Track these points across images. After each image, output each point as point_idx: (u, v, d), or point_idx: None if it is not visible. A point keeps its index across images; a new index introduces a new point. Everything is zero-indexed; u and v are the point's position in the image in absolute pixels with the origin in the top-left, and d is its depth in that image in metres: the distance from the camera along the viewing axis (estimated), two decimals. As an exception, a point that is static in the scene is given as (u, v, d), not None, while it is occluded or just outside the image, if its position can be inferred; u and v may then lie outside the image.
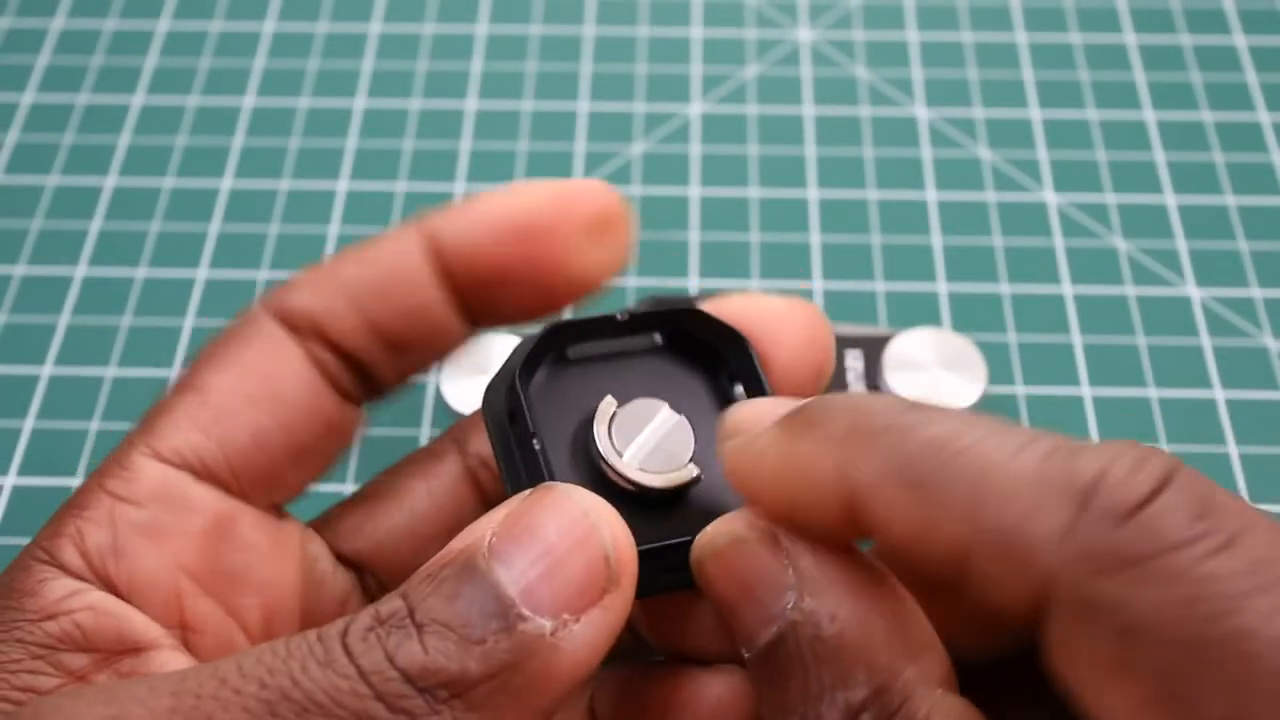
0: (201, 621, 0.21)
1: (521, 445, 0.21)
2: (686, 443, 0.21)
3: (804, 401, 0.19)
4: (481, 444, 0.24)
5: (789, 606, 0.18)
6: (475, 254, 0.22)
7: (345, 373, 0.22)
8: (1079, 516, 0.15)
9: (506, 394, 0.21)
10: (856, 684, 0.17)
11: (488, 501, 0.23)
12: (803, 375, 0.22)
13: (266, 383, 0.21)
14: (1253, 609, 0.14)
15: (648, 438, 0.21)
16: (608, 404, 0.22)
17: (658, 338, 0.23)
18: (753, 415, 0.19)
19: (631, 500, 0.21)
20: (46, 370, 0.38)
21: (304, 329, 0.22)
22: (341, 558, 0.23)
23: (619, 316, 0.22)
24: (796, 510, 0.18)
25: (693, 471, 0.21)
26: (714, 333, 0.22)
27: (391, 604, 0.17)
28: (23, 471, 0.36)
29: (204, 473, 0.21)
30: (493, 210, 0.22)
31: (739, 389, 0.23)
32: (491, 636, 0.17)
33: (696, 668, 0.21)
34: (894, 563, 0.18)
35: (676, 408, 0.22)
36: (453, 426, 0.24)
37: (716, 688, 0.21)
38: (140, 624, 0.20)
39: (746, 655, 0.19)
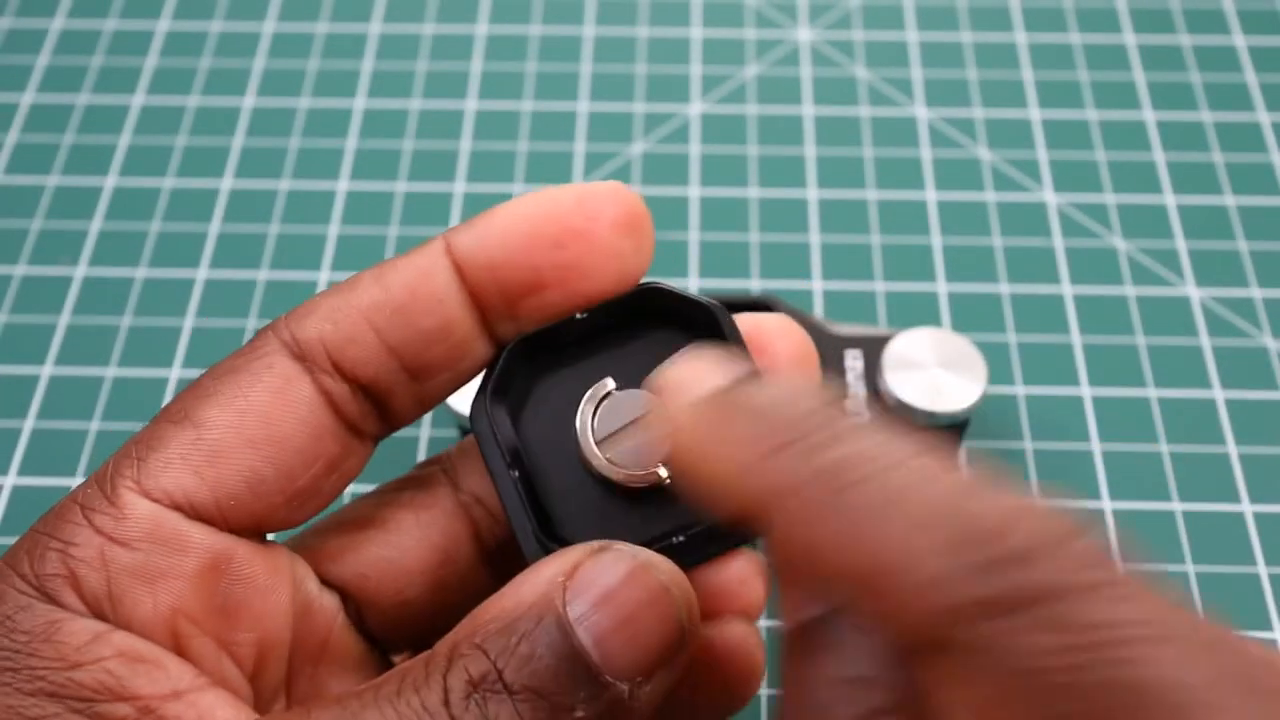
0: (197, 661, 0.20)
1: (509, 466, 0.21)
2: (667, 441, 0.21)
3: (737, 377, 0.18)
4: (473, 480, 0.23)
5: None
6: (507, 265, 0.21)
7: (359, 404, 0.21)
8: (978, 559, 0.15)
9: (487, 419, 0.21)
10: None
11: (480, 539, 0.23)
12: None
13: (268, 425, 0.20)
14: (1151, 659, 0.14)
15: (630, 429, 0.21)
16: (590, 397, 0.22)
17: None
18: (685, 378, 0.19)
19: (625, 493, 0.21)
20: (46, 370, 0.38)
21: (317, 359, 0.21)
22: (325, 581, 0.23)
23: (578, 315, 0.21)
24: (703, 492, 0.18)
25: (660, 478, 0.21)
26: (680, 306, 0.22)
27: (479, 664, 0.18)
28: (23, 471, 0.36)
29: (193, 514, 0.20)
30: (520, 219, 0.21)
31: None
32: (581, 705, 0.18)
33: None
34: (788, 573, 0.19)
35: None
36: (443, 454, 0.24)
37: (739, 560, 0.21)
38: (175, 666, 0.19)
39: (787, 628, 0.19)
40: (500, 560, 0.24)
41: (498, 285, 0.21)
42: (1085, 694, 0.14)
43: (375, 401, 0.22)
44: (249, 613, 0.21)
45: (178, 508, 0.20)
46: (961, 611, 0.15)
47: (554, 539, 0.21)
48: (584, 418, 0.21)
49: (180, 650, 0.20)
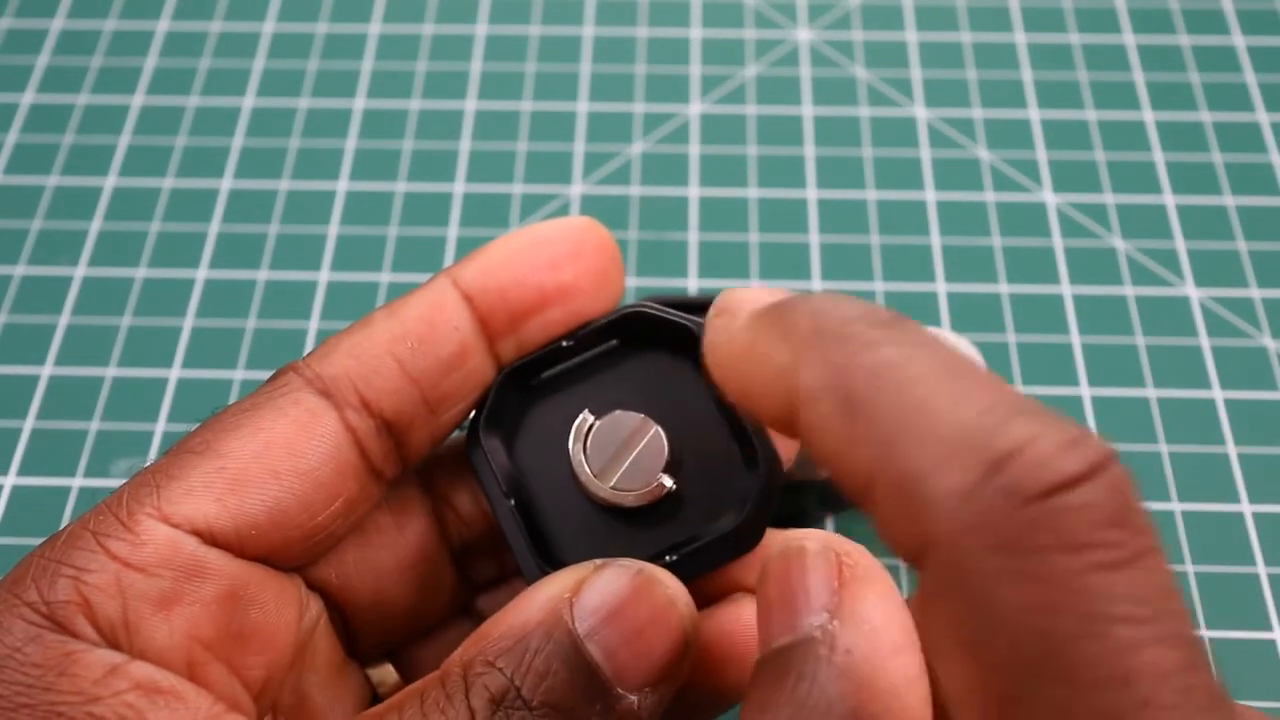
0: (210, 687, 0.20)
1: (505, 495, 0.22)
2: (660, 451, 0.22)
3: (790, 295, 0.18)
4: (446, 483, 0.24)
5: (816, 624, 0.17)
6: (515, 288, 0.22)
7: (380, 442, 0.22)
8: (985, 483, 0.14)
9: (482, 448, 0.22)
10: (830, 713, 0.17)
11: (448, 540, 0.24)
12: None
13: (293, 457, 0.21)
14: (1112, 638, 0.13)
15: (622, 452, 0.22)
16: (580, 422, 0.22)
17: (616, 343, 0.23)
18: (739, 300, 0.19)
19: (618, 514, 0.22)
20: (46, 370, 0.38)
21: (343, 393, 0.21)
22: (307, 583, 0.23)
23: (564, 343, 0.23)
24: (748, 398, 0.18)
25: (664, 487, 0.22)
26: (662, 328, 0.23)
27: (498, 681, 0.18)
28: (22, 471, 0.36)
29: (211, 540, 0.20)
30: (519, 248, 0.22)
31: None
32: (595, 718, 0.19)
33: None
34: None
35: (650, 408, 0.22)
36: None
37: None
38: (193, 696, 0.19)
39: (760, 653, 0.19)
40: (466, 561, 0.24)
41: (506, 308, 0.22)
42: (1040, 655, 0.14)
43: (395, 438, 0.22)
44: (261, 638, 0.21)
45: (197, 534, 0.20)
46: (962, 535, 0.14)
47: (552, 562, 0.21)
48: (576, 453, 0.22)
49: (194, 676, 0.20)
